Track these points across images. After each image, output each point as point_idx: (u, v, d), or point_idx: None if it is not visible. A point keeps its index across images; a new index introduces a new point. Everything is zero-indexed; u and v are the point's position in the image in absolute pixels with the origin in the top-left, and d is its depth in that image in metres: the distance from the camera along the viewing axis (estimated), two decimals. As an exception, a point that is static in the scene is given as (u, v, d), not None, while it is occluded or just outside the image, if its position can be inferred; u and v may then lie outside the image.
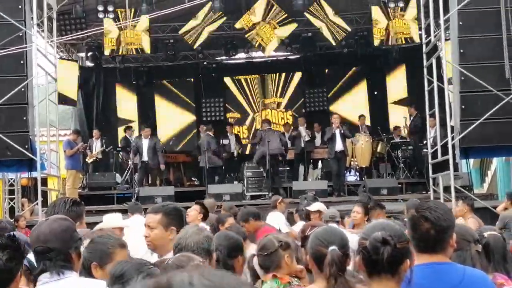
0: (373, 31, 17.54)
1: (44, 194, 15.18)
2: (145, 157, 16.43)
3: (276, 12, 17.63)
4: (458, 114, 12.25)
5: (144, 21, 16.99)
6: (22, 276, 3.11)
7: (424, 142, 16.15)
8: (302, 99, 21.83)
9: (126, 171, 17.74)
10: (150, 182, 16.99)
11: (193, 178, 19.27)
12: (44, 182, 15.32)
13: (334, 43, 18.16)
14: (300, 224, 8.59)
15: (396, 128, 18.80)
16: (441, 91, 13.80)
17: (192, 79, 22.20)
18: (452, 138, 12.64)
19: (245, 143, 21.06)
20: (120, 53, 18.10)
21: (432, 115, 14.71)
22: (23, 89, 12.47)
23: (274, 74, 22.25)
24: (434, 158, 14.35)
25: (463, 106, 12.13)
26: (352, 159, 18.00)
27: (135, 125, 19.72)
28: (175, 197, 15.30)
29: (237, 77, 22.28)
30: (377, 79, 21.57)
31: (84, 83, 20.55)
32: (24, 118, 12.49)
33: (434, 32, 14.33)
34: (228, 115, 21.92)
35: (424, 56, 14.92)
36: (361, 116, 18.94)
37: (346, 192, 16.18)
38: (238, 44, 20.15)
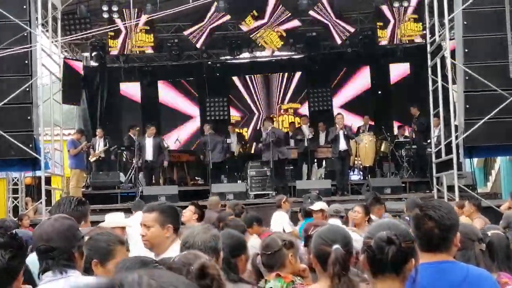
0: (377, 31, 17.56)
1: (48, 193, 15.20)
2: (149, 157, 16.44)
3: (280, 12, 17.64)
4: (462, 113, 12.23)
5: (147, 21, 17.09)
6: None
7: (428, 141, 16.13)
8: (306, 99, 21.82)
9: (130, 170, 17.75)
10: (154, 181, 16.98)
11: (196, 177, 19.28)
12: (48, 181, 15.33)
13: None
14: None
15: (400, 127, 18.76)
16: (445, 90, 13.78)
17: (196, 79, 22.19)
18: (456, 137, 12.63)
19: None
20: (124, 52, 18.17)
21: (436, 115, 14.69)
22: (27, 89, 12.49)
23: (278, 74, 22.25)
24: (438, 157, 14.33)
25: (467, 106, 12.12)
26: (356, 158, 18.00)
27: (139, 125, 19.71)
28: (178, 196, 15.34)
29: (241, 77, 22.28)
30: (381, 78, 21.54)
31: (88, 83, 20.59)
32: (29, 117, 12.52)
33: (439, 31, 14.31)
34: (232, 114, 21.93)
35: (429, 56, 14.89)
36: (365, 116, 18.93)
37: (349, 191, 16.17)
38: (242, 44, 20.15)
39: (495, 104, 11.80)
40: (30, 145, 12.47)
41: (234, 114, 22.08)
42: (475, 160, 16.65)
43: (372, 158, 17.79)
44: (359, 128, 18.81)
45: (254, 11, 17.93)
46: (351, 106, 21.20)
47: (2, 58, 12.29)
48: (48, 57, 15.03)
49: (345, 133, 15.61)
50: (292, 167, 17.86)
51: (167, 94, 22.04)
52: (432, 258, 2.98)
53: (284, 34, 18.20)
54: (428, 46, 15.11)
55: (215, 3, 16.85)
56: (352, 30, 17.98)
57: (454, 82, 13.29)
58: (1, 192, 16.54)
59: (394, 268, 2.55)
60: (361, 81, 21.65)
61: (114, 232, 4.21)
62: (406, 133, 18.24)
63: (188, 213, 7.88)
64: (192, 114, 22.06)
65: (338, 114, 16.53)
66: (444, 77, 13.75)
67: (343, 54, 20.70)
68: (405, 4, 16.92)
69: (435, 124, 15.12)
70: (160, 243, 4.22)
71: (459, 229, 3.12)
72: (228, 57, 21.62)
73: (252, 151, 20.02)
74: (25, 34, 12.65)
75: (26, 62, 12.64)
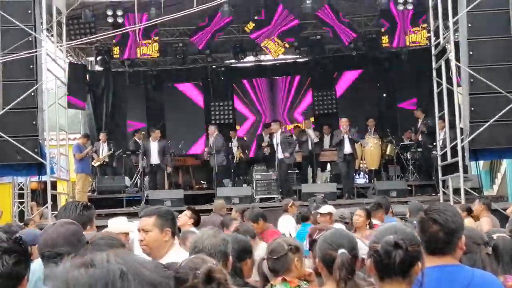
0: (381, 34, 17.57)
1: (54, 198, 15.22)
2: (154, 160, 16.46)
3: (284, 16, 17.65)
4: (467, 116, 12.21)
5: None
6: None
7: (434, 144, 16.10)
8: (311, 102, 21.81)
9: (136, 175, 17.78)
10: (157, 185, 16.96)
11: (202, 181, 19.29)
12: (54, 186, 15.36)
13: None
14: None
15: (406, 130, 18.75)
16: (450, 93, 13.76)
17: (201, 83, 22.19)
18: (462, 140, 12.61)
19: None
20: (129, 57, 18.22)
21: (441, 117, 14.67)
22: (32, 94, 12.52)
23: (283, 77, 22.24)
24: (444, 160, 14.31)
25: (472, 108, 12.09)
26: (361, 162, 17.98)
27: (144, 129, 19.73)
28: (184, 200, 15.33)
29: (245, 80, 22.27)
30: (386, 81, 21.52)
31: (93, 87, 20.63)
32: (34, 122, 12.55)
33: (443, 34, 14.30)
34: (237, 118, 21.95)
35: (433, 58, 14.88)
36: (370, 119, 18.92)
37: (355, 195, 16.15)
38: (247, 48, 20.16)
39: (500, 107, 11.78)
40: (36, 150, 12.50)
41: (239, 118, 22.05)
42: (481, 163, 16.59)
43: (377, 161, 17.77)
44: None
45: (256, 17, 17.94)
46: (356, 108, 21.15)
47: (7, 63, 12.32)
48: (53, 61, 15.08)
49: (350, 137, 15.63)
50: (297, 171, 17.84)
51: (172, 98, 21.99)
52: (437, 262, 2.98)
53: (288, 46, 18.26)
54: (433, 48, 15.10)
55: (220, 7, 16.84)
56: (355, 34, 18.00)
57: (459, 85, 13.28)
58: (7, 197, 16.54)
59: (401, 272, 2.55)
60: (366, 83, 21.59)
61: (117, 236, 4.21)
62: (412, 137, 18.20)
63: (184, 218, 7.89)
64: (197, 118, 22.02)
65: (343, 118, 16.52)
66: (449, 80, 13.74)
67: (348, 57, 20.70)
68: (409, 7, 16.90)
69: (440, 127, 15.10)
70: (159, 247, 4.22)
71: (465, 233, 3.12)
72: (233, 60, 21.64)
73: (252, 155, 19.98)
74: (30, 39, 12.68)
75: (31, 67, 12.67)
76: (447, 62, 13.96)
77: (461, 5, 12.49)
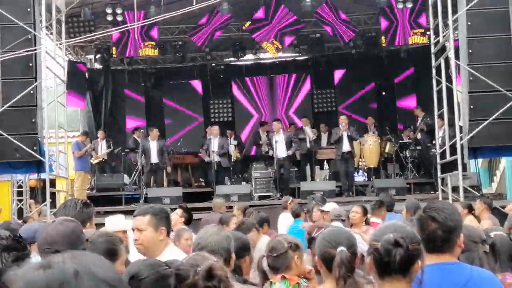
0: (381, 32, 17.56)
1: (52, 196, 15.22)
2: (154, 159, 16.42)
3: (284, 13, 17.64)
4: (466, 114, 12.21)
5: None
6: None
7: (433, 142, 16.11)
8: (310, 100, 21.81)
9: (134, 172, 17.76)
10: (156, 183, 16.93)
11: (201, 179, 19.28)
12: (53, 183, 15.35)
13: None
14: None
15: (405, 128, 18.74)
16: (449, 91, 13.76)
17: (200, 81, 22.18)
18: (461, 138, 12.60)
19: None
20: (128, 55, 18.22)
21: (441, 116, 14.68)
22: (32, 92, 12.51)
23: (282, 76, 22.23)
24: (443, 158, 14.31)
25: (471, 106, 12.09)
26: (360, 160, 17.97)
27: (143, 127, 19.72)
28: (183, 198, 15.32)
29: (245, 78, 22.26)
30: (385, 79, 21.52)
31: (92, 85, 20.61)
32: (33, 120, 12.54)
33: (443, 32, 14.29)
34: (236, 116, 21.94)
35: (433, 57, 14.89)
36: (369, 117, 18.91)
37: (354, 193, 16.14)
38: (246, 46, 20.16)
39: (499, 105, 11.78)
40: (35, 148, 12.48)
41: (238, 116, 22.04)
42: (480, 160, 16.61)
43: (376, 159, 17.76)
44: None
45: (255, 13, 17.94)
46: (355, 107, 21.15)
47: (6, 61, 12.31)
48: (53, 59, 15.07)
49: (349, 134, 15.62)
50: (296, 169, 17.84)
51: (171, 96, 21.98)
52: (436, 260, 2.99)
53: (280, 46, 18.25)
54: (432, 47, 15.10)
55: (219, 6, 16.84)
56: (355, 32, 18.01)
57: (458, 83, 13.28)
58: (5, 194, 16.55)
59: (401, 270, 2.55)
60: (365, 81, 21.59)
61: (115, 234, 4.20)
62: (411, 135, 18.21)
63: (174, 217, 7.86)
64: (196, 116, 22.00)
65: (342, 115, 16.51)
66: (448, 78, 13.74)
67: (347, 55, 20.71)
68: (409, 5, 16.90)
69: (439, 125, 15.11)
70: (154, 246, 4.19)
71: (463, 231, 3.13)
72: (232, 58, 21.63)
73: (250, 153, 19.95)
74: (29, 37, 12.65)
75: (31, 64, 12.65)
76: (447, 60, 13.95)
77: (460, 4, 12.48)
